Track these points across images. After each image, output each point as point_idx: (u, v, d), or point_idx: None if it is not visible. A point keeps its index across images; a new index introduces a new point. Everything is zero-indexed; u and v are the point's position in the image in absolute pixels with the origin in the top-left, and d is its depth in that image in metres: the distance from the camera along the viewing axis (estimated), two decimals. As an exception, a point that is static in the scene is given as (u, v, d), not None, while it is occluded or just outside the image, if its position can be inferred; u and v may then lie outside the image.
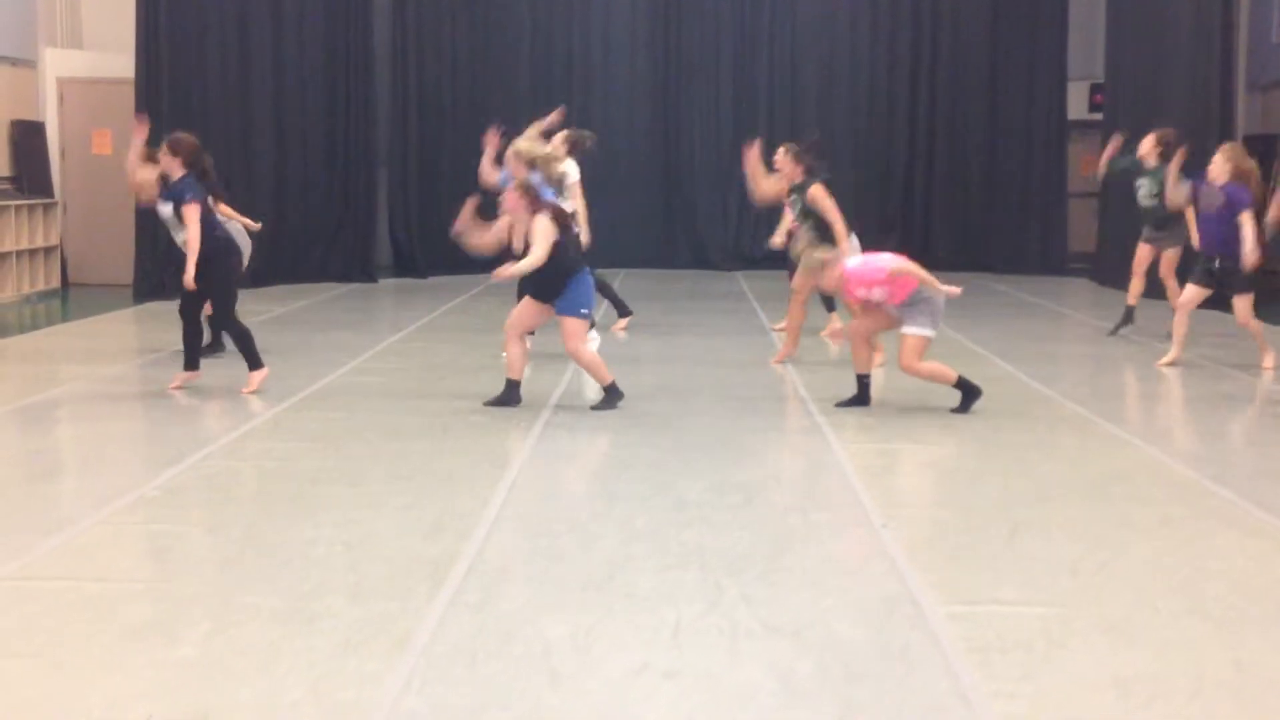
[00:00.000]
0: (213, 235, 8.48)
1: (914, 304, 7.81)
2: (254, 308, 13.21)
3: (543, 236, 7.75)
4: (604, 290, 11.69)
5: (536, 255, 7.73)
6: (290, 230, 16.07)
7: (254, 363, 8.57)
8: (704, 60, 18.90)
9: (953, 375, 7.93)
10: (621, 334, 11.59)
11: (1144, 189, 11.08)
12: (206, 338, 10.29)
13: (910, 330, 7.83)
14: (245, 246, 9.97)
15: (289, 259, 15.99)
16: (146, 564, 5.10)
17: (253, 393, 8.44)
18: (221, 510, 5.81)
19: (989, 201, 18.59)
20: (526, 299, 8.13)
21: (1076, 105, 18.64)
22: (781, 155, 10.27)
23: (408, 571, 4.87)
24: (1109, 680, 3.89)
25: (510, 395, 8.06)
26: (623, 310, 11.94)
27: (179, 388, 8.63)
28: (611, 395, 8.03)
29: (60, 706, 3.68)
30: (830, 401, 8.16)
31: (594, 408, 8.00)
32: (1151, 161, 10.98)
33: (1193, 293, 9.74)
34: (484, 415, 7.87)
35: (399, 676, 3.87)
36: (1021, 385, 9.06)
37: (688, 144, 19.00)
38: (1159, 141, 10.97)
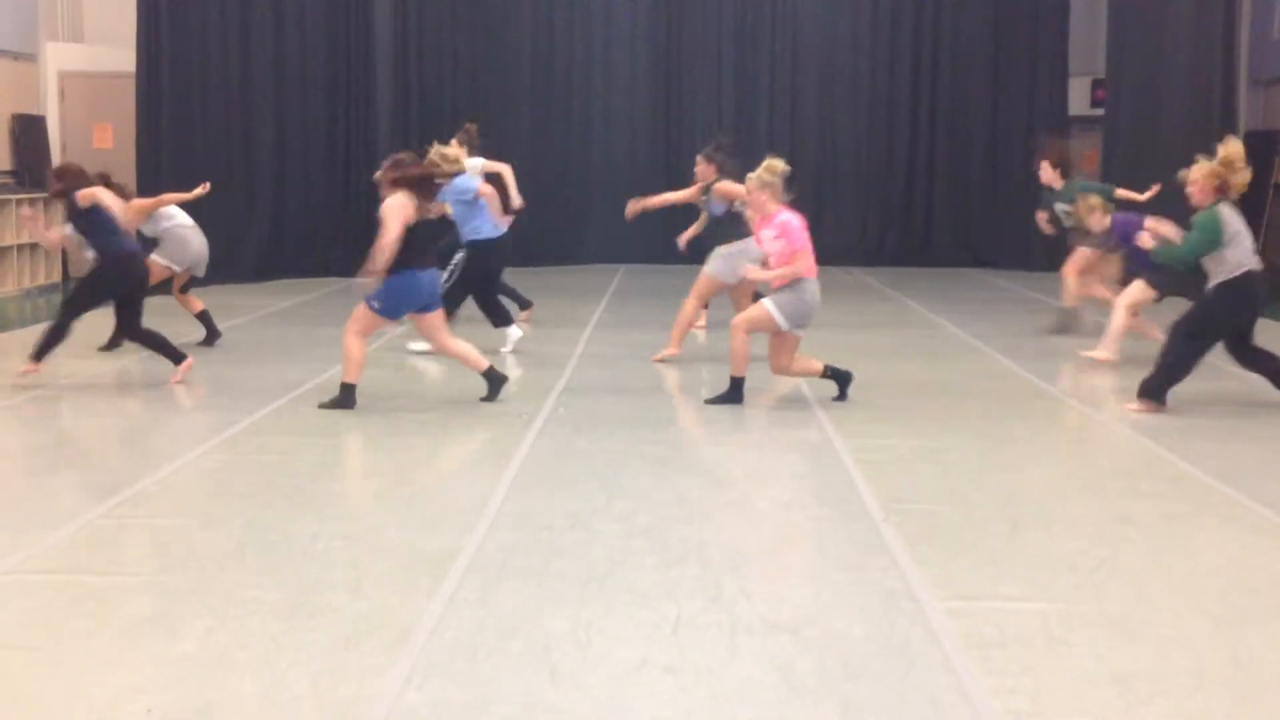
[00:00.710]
0: (114, 243, 8.57)
1: (786, 290, 7.87)
2: (255, 302, 13.24)
3: (391, 214, 7.63)
4: (501, 291, 10.95)
5: (388, 235, 7.57)
6: (291, 226, 16.08)
7: (38, 354, 8.57)
8: (704, 58, 18.88)
9: (743, 369, 7.96)
10: (526, 326, 11.14)
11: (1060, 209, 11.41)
12: (205, 333, 10.32)
13: (766, 302, 7.91)
14: (198, 245, 10.07)
15: (290, 255, 16.00)
16: (147, 558, 5.10)
17: (25, 375, 8.50)
18: (222, 505, 5.81)
19: (990, 197, 18.57)
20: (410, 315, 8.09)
21: (1078, 101, 18.63)
22: (699, 159, 10.42)
23: (408, 566, 4.88)
24: (1109, 676, 3.89)
25: (494, 384, 8.05)
26: (522, 303, 11.77)
27: (180, 382, 8.64)
28: (345, 398, 7.79)
29: (61, 701, 3.69)
30: (829, 397, 8.17)
31: (323, 405, 7.83)
32: (1056, 185, 11.36)
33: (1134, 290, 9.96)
34: (484, 410, 7.88)
35: (400, 671, 3.88)
36: (1022, 381, 9.07)
37: (689, 142, 18.94)
38: (1053, 164, 11.38)
